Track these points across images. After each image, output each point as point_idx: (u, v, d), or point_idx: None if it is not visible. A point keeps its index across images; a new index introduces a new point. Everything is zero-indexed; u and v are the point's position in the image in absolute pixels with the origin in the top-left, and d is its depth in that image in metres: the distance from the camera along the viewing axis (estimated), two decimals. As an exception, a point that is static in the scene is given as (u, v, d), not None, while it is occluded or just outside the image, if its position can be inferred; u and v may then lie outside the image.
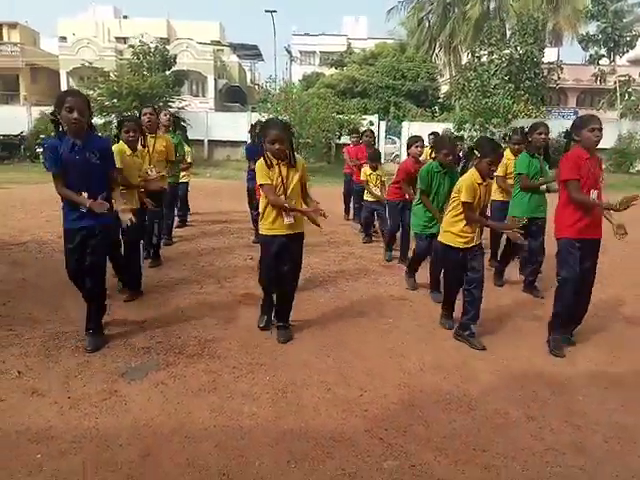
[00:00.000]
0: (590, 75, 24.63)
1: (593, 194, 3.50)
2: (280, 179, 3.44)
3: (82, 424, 2.57)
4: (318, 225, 3.55)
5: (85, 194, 3.19)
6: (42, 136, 19.22)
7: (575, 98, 31.68)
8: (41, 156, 18.12)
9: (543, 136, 4.82)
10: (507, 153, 5.49)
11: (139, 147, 4.64)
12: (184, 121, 20.79)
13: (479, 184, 3.64)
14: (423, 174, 4.72)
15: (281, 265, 3.57)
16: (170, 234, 6.62)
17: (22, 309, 4.07)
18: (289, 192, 3.46)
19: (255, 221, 6.34)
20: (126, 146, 4.42)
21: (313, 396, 2.92)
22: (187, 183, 7.77)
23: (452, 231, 3.75)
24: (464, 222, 3.68)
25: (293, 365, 3.29)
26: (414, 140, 5.57)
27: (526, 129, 5.15)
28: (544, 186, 4.83)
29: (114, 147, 4.06)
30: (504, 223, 4.67)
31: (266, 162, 3.41)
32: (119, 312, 4.05)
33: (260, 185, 3.48)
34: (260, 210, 3.58)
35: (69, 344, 3.44)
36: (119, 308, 4.12)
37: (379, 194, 6.47)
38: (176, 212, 7.27)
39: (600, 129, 3.51)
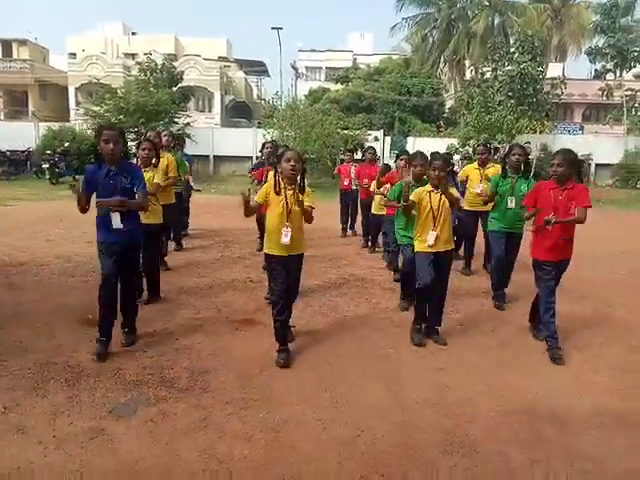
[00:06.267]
0: (597, 90, 24.49)
1: None
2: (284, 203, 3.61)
3: (66, 467, 2.47)
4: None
5: (117, 214, 3.62)
6: (48, 152, 19.35)
7: (581, 113, 31.55)
8: (47, 172, 18.23)
9: (517, 157, 5.21)
10: (474, 164, 6.65)
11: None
12: (189, 137, 20.93)
13: (429, 191, 4.16)
14: (395, 187, 5.23)
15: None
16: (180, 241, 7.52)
17: (14, 337, 3.99)
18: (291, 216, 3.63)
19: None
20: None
21: (308, 437, 2.79)
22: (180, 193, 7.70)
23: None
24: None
25: (288, 401, 3.18)
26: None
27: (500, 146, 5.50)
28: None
29: None
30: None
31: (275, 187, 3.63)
32: (113, 340, 3.95)
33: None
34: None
35: (59, 376, 3.35)
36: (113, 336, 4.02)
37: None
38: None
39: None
